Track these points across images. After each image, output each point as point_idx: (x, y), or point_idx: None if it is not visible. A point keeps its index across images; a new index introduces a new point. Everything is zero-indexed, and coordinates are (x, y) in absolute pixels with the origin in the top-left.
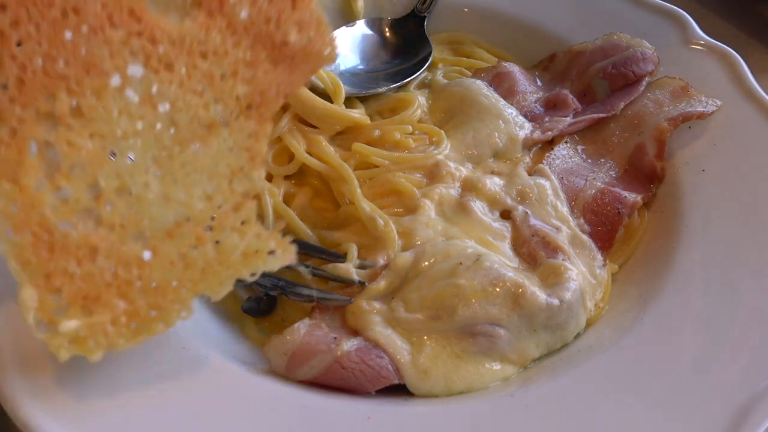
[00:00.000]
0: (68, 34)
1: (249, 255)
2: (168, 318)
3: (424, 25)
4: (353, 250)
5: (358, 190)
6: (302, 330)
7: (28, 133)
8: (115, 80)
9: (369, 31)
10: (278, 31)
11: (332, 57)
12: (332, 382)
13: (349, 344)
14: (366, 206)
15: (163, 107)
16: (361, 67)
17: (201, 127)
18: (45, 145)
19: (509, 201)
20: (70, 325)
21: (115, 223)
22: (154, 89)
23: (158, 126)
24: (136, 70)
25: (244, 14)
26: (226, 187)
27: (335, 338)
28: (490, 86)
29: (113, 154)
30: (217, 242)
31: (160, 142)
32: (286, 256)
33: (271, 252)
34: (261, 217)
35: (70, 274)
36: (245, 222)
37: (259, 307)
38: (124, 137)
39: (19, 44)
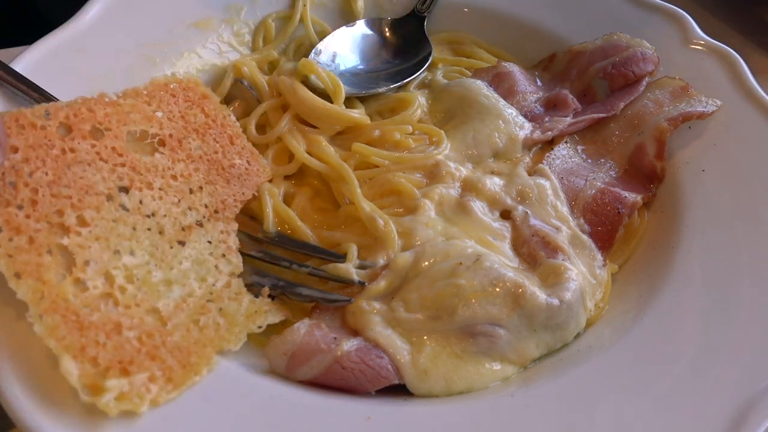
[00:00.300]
0: (68, 166)
1: (251, 315)
2: (199, 371)
3: (424, 25)
4: (353, 250)
5: (358, 190)
6: (302, 330)
7: (43, 241)
8: (109, 197)
9: (369, 31)
10: (225, 158)
11: (268, 174)
12: (332, 382)
13: (349, 344)
14: (366, 206)
15: (150, 215)
16: (361, 67)
17: (182, 228)
18: (59, 248)
19: (509, 201)
20: (112, 384)
21: (130, 302)
22: (141, 202)
23: (149, 229)
24: (124, 188)
25: (197, 149)
26: (214, 270)
27: (335, 338)
28: (490, 86)
29: (117, 252)
30: (220, 309)
31: (153, 240)
32: (280, 312)
33: (266, 311)
34: (260, 219)
35: (102, 344)
36: (238, 293)
37: None
38: (123, 238)
39: (30, 174)
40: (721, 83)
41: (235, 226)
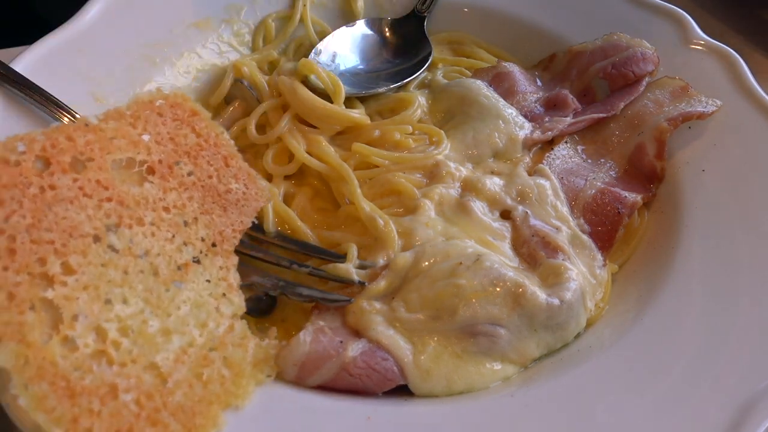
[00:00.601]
0: (48, 206)
1: (258, 363)
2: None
3: (424, 25)
4: (353, 250)
5: (358, 190)
6: (308, 339)
7: (25, 296)
8: (96, 239)
9: (369, 31)
10: (220, 183)
11: (267, 198)
12: (340, 387)
13: (355, 348)
14: (366, 206)
15: (142, 255)
16: (361, 67)
17: (178, 267)
18: (43, 303)
19: (509, 201)
20: None
21: (126, 360)
22: (131, 241)
23: (142, 271)
24: (112, 227)
25: (190, 175)
26: (215, 313)
27: (341, 342)
28: (490, 86)
29: (108, 301)
30: (224, 358)
31: (147, 284)
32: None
33: (276, 356)
34: (261, 220)
35: (97, 413)
36: (243, 338)
37: (260, 306)
38: (114, 285)
39: (6, 220)
40: (721, 83)
41: (235, 260)
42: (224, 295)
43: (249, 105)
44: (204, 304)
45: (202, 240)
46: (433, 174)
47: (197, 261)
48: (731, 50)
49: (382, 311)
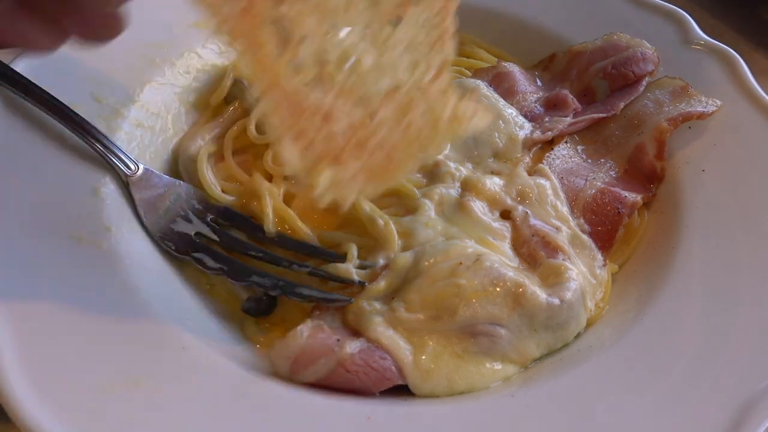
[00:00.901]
0: None
1: (454, 120)
2: (402, 169)
3: None
4: (353, 251)
5: None
6: (305, 333)
7: (261, 8)
8: None
9: None
10: None
11: None
12: (336, 385)
13: (353, 346)
14: (366, 206)
15: None
16: None
17: (398, 4)
18: (275, 19)
19: (509, 201)
20: (325, 175)
21: (342, 90)
22: None
23: (363, 4)
24: None
25: None
26: (426, 58)
27: (338, 340)
28: (490, 86)
29: (333, 27)
30: (427, 107)
31: (367, 17)
32: (484, 118)
33: (470, 117)
34: (260, 219)
35: (317, 130)
36: (446, 90)
37: (259, 307)
38: (337, 13)
39: None
40: (721, 83)
41: (454, 4)
42: (438, 40)
43: (249, 105)
44: (417, 46)
45: None
46: (433, 174)
47: (416, 2)
48: (731, 50)
49: (381, 311)
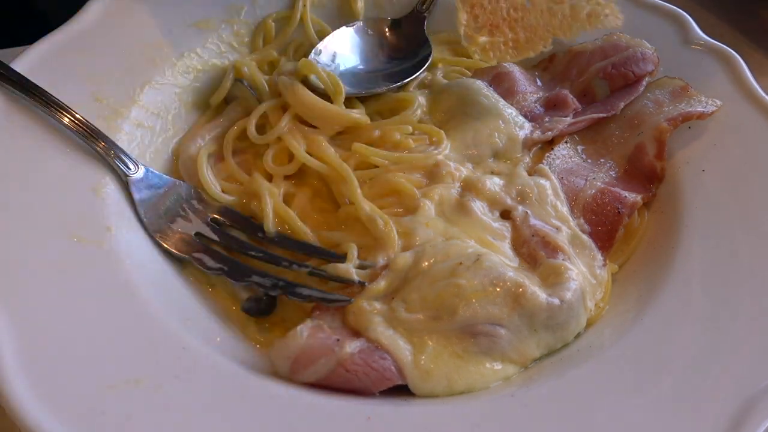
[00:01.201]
0: None
1: (591, 15)
2: (535, 48)
3: (424, 25)
4: (353, 251)
5: (358, 190)
6: (305, 333)
7: None
8: None
9: (369, 31)
10: None
11: None
12: (336, 384)
13: (352, 346)
14: (366, 206)
15: None
16: (361, 67)
17: None
18: None
19: (509, 201)
20: (483, 39)
21: None
22: None
23: None
24: None
25: None
26: None
27: (338, 340)
28: (490, 86)
29: None
30: (571, 6)
31: None
32: (616, 18)
33: (606, 15)
34: (260, 219)
35: (484, 8)
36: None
37: (259, 307)
38: None
39: None
40: (721, 83)
41: None
42: None
43: (249, 105)
44: None
45: None
46: (433, 174)
47: None
48: (731, 50)
49: (381, 311)
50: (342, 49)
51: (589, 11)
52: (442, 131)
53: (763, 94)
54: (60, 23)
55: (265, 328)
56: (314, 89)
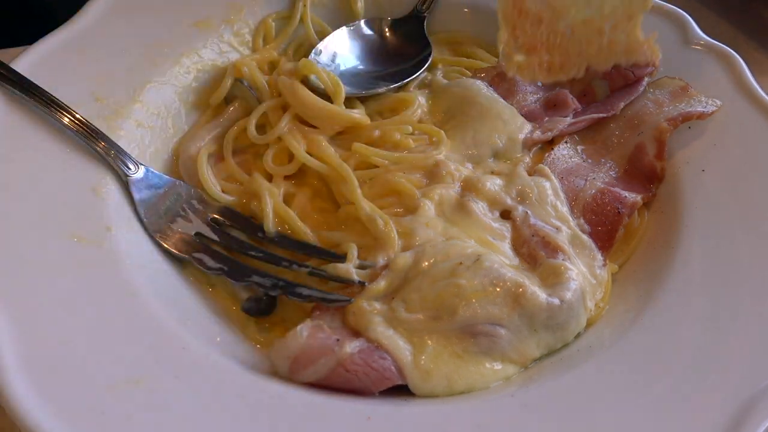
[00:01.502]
0: None
1: (628, 51)
2: (568, 72)
3: (424, 25)
4: (353, 251)
5: (358, 190)
6: (304, 333)
7: None
8: None
9: (369, 31)
10: None
11: None
12: (336, 384)
13: (352, 346)
14: (366, 206)
15: None
16: (361, 67)
17: None
18: None
19: (509, 201)
20: (519, 58)
21: (553, 6)
22: None
23: None
24: None
25: None
26: (624, 5)
27: (338, 340)
28: (490, 86)
29: None
30: (610, 40)
31: None
32: (654, 56)
33: (643, 52)
34: (260, 219)
35: (525, 30)
36: (629, 33)
37: (259, 307)
38: None
39: None
40: (721, 83)
41: None
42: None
43: (249, 105)
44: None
45: None
46: (433, 174)
47: None
48: (731, 50)
49: (381, 311)
50: (342, 49)
51: (627, 47)
52: (442, 131)
53: (763, 94)
54: (60, 23)
55: (265, 328)
56: (314, 89)
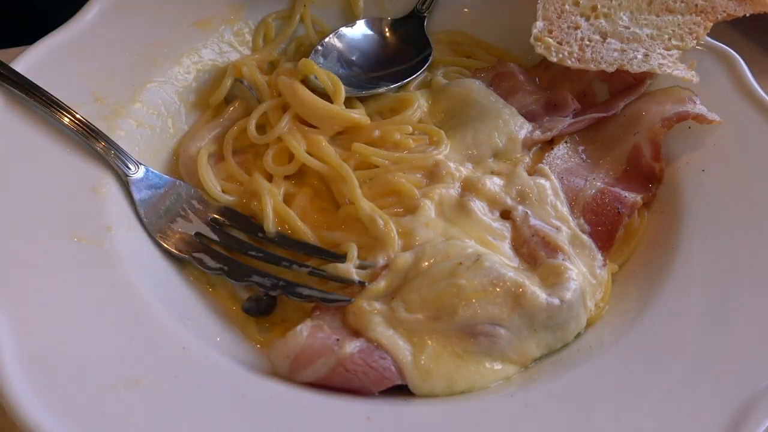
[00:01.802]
0: None
1: (663, 66)
2: (598, 66)
3: (424, 25)
4: (353, 250)
5: (358, 190)
6: (304, 332)
7: None
8: None
9: (369, 31)
10: None
11: None
12: (335, 384)
13: (352, 346)
14: (366, 206)
15: None
16: (361, 67)
17: (667, 7)
18: None
19: (509, 201)
20: (551, 41)
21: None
22: None
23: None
24: None
25: None
26: (666, 38)
27: (338, 340)
28: (490, 86)
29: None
30: (646, 54)
31: (637, 2)
32: (690, 75)
33: (678, 69)
34: (260, 219)
35: (561, 29)
36: (668, 57)
37: (259, 307)
38: None
39: None
40: (721, 83)
41: (709, 26)
42: (681, 37)
43: (249, 105)
44: (664, 30)
45: (696, 6)
46: (433, 174)
47: (681, 13)
48: (731, 50)
49: (381, 311)
50: (342, 48)
51: (661, 63)
52: (442, 131)
53: (763, 94)
54: (60, 23)
55: (265, 328)
56: (314, 89)
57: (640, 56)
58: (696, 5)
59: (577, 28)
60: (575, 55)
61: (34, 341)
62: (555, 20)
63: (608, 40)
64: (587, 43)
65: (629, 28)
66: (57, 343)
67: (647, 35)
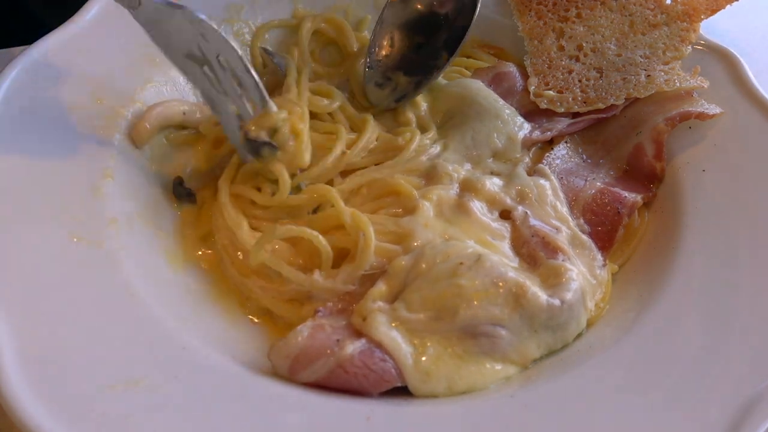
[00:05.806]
0: None
1: (669, 81)
2: (605, 102)
3: None
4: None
5: (342, 204)
6: (305, 333)
7: (548, 23)
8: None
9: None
10: None
11: None
12: (335, 385)
13: (352, 347)
14: (348, 218)
15: (628, 15)
16: (414, 52)
17: (649, 23)
18: (558, 31)
19: (509, 201)
20: (551, 93)
21: (586, 62)
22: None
23: (619, 21)
24: None
25: None
26: (660, 54)
27: (338, 340)
28: (490, 86)
29: (593, 33)
30: (648, 75)
31: (618, 28)
32: (700, 82)
33: (686, 81)
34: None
35: (557, 78)
36: (671, 71)
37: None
38: (597, 29)
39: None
40: (721, 83)
41: (698, 28)
42: (676, 47)
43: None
44: (655, 47)
45: (677, 12)
46: (431, 175)
47: (665, 23)
48: (731, 50)
49: (384, 310)
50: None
51: (667, 79)
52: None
53: (763, 94)
54: (59, 23)
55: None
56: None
57: (643, 79)
58: (677, 11)
59: (570, 71)
60: (579, 98)
61: (34, 341)
62: (547, 71)
63: (605, 73)
64: (586, 82)
65: (621, 56)
66: (57, 344)
67: (641, 56)
